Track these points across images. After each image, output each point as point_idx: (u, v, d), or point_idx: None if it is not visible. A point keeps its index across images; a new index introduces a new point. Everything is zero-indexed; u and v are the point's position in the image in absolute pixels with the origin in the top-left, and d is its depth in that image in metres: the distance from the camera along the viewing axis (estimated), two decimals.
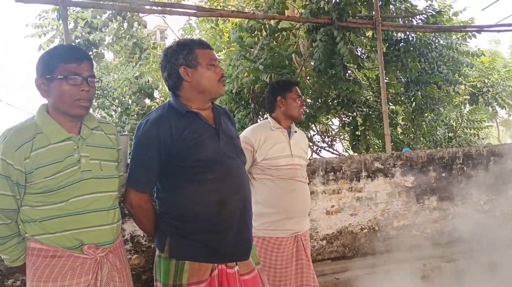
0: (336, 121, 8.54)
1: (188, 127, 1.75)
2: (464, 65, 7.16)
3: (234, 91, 5.74)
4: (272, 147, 2.47)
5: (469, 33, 6.43)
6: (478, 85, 9.90)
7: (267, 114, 2.72)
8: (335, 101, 5.96)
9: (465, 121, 8.98)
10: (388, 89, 6.34)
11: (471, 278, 3.73)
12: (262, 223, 2.41)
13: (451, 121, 9.11)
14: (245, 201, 1.83)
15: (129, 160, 1.86)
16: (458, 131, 8.93)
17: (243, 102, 5.95)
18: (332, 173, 4.21)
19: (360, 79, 6.45)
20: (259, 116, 5.74)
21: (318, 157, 7.50)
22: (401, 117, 7.17)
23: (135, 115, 6.04)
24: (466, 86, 9.58)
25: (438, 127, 8.39)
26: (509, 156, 4.85)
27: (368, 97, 6.53)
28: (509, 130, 21.31)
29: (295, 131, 2.64)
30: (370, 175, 4.34)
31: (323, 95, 5.97)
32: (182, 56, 1.79)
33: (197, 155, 1.72)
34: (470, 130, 9.08)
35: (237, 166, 1.84)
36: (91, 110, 1.73)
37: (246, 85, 5.64)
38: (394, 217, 4.37)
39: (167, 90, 2.02)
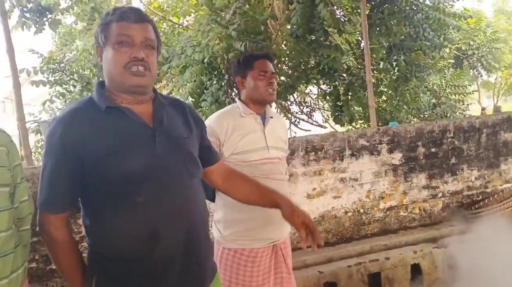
0: (314, 90, 8.10)
1: (107, 129, 1.27)
2: (451, 28, 6.74)
3: (205, 61, 5.18)
4: (242, 138, 1.99)
5: None
6: (463, 48, 9.54)
7: (237, 97, 2.22)
8: (315, 69, 5.47)
9: (450, 87, 8.65)
10: (370, 55, 5.88)
11: (465, 264, 3.45)
12: (232, 232, 1.97)
13: (435, 87, 8.77)
14: (192, 229, 1.33)
15: None
16: (442, 98, 8.61)
17: (215, 73, 5.40)
18: (313, 153, 3.80)
19: (341, 45, 5.96)
20: (234, 89, 5.23)
21: (296, 128, 7.09)
22: (383, 84, 6.75)
23: None
24: (451, 50, 9.21)
25: (422, 95, 8.04)
26: (502, 127, 4.53)
27: (350, 65, 6.06)
28: (488, 92, 21.26)
29: (271, 117, 2.13)
30: (355, 153, 3.94)
31: (301, 63, 5.47)
32: (100, 29, 1.33)
33: (118, 168, 1.24)
34: (455, 96, 8.77)
35: (180, 180, 1.33)
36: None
37: (218, 54, 5.08)
38: (380, 198, 4.02)
39: None
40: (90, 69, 6.01)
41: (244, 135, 1.99)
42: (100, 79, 1.40)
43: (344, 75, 5.62)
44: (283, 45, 5.69)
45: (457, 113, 8.83)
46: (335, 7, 5.29)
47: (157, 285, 1.27)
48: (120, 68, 1.29)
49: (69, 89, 6.11)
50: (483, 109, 12.30)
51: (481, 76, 10.44)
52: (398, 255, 3.43)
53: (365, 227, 3.93)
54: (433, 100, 8.73)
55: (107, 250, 1.28)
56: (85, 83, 6.00)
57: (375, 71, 6.20)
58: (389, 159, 4.07)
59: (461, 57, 9.60)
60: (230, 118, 2.03)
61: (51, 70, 5.73)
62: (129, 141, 1.28)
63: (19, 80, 3.52)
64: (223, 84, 5.31)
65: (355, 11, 6.12)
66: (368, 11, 5.49)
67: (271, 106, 2.31)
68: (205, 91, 5.39)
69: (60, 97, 6.13)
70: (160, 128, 1.34)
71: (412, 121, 7.53)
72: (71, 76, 5.97)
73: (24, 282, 1.26)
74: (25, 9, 5.75)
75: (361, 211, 3.94)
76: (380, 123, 6.49)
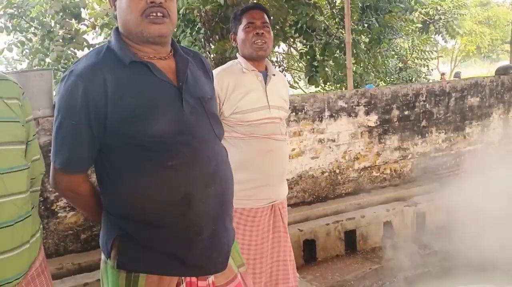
0: (284, 48, 8.01)
1: (133, 86, 1.17)
2: None
3: (181, 12, 4.94)
4: (244, 97, 1.90)
5: None
6: (431, 13, 9.68)
7: (237, 53, 2.06)
8: (293, 28, 5.38)
9: (417, 51, 8.83)
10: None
11: (432, 222, 3.68)
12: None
13: (403, 51, 8.92)
14: (224, 194, 1.29)
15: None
16: (409, 62, 8.80)
17: (191, 26, 5.18)
18: (294, 113, 3.80)
19: (319, 3, 5.87)
20: (211, 43, 5.06)
21: None
22: (358, 46, 6.77)
23: (61, 41, 5.09)
24: (419, 14, 9.32)
25: (390, 58, 8.17)
26: (469, 92, 4.71)
27: (327, 24, 6.01)
28: (444, 58, 21.95)
29: (273, 75, 2.03)
30: (333, 114, 3.99)
31: (279, 21, 5.36)
32: None
33: (147, 130, 1.16)
34: (420, 61, 8.98)
35: (210, 143, 1.27)
36: None
37: (195, 5, 4.85)
38: (355, 158, 4.13)
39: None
40: (52, 16, 5.59)
41: (245, 93, 1.92)
42: (117, 26, 1.26)
43: (322, 35, 5.57)
44: (259, 1, 5.52)
45: (421, 78, 9.08)
46: None
47: (186, 250, 1.23)
48: (137, 16, 1.18)
49: (28, 37, 5.68)
50: (442, 74, 12.72)
51: (446, 42, 10.71)
52: (372, 213, 3.58)
53: (340, 187, 4.06)
54: (400, 64, 8.90)
55: (134, 214, 1.21)
56: (46, 32, 5.59)
57: (353, 34, 6.20)
58: (365, 121, 4.16)
59: (428, 22, 9.74)
60: (230, 75, 1.94)
61: (9, 15, 5.28)
62: (157, 101, 1.19)
63: None
64: (197, 38, 5.13)
65: None
66: None
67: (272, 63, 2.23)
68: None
69: (19, 46, 5.70)
70: (186, 87, 1.25)
71: (380, 85, 7.68)
72: (31, 23, 5.54)
73: (41, 245, 1.20)
74: None
75: (337, 171, 4.04)
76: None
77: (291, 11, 5.11)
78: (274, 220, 2.02)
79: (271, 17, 5.31)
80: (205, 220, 1.24)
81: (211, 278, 1.29)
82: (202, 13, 4.75)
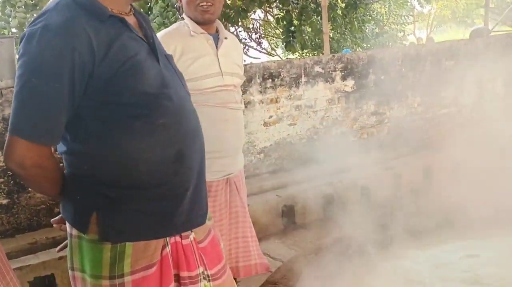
0: (260, 14, 7.85)
1: (115, 41, 1.10)
2: None
3: None
4: (193, 62, 1.79)
5: None
6: None
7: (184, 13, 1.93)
8: None
9: (393, 16, 8.79)
10: None
11: (408, 184, 3.75)
12: None
13: (379, 16, 8.86)
14: (203, 148, 1.33)
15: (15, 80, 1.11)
16: (386, 28, 8.77)
17: None
18: (270, 80, 3.75)
19: None
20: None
21: (246, 57, 6.94)
22: (335, 10, 6.68)
23: (23, 7, 4.83)
24: None
25: (367, 24, 8.11)
26: (444, 55, 4.73)
27: None
28: (420, 23, 21.96)
29: (225, 38, 1.90)
30: (310, 80, 3.96)
31: None
32: None
33: (137, 86, 1.11)
34: (397, 26, 8.95)
35: (186, 99, 1.27)
36: None
37: None
38: (333, 124, 4.14)
39: None
40: None
41: (194, 59, 1.79)
42: None
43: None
44: None
45: (398, 43, 9.08)
46: None
47: (176, 208, 1.22)
48: None
49: None
50: (419, 39, 12.76)
51: (422, 7, 10.68)
52: (351, 177, 3.62)
53: (318, 153, 4.07)
54: (376, 30, 8.86)
55: (125, 180, 1.16)
56: None
57: None
58: (342, 86, 4.14)
59: None
60: (178, 38, 1.80)
61: None
62: (140, 55, 1.14)
63: None
64: (170, 4, 4.94)
65: None
66: None
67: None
68: (149, 12, 5.01)
69: None
70: (153, 43, 1.22)
71: (357, 50, 7.65)
72: None
73: None
74: None
75: (315, 137, 4.04)
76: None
77: None
78: (230, 195, 1.96)
79: None
80: (192, 174, 1.25)
81: (192, 235, 1.28)
82: None
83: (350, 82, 4.18)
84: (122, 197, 1.17)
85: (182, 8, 1.89)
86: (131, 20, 1.20)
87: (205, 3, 1.80)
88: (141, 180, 1.17)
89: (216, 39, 1.88)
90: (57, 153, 1.25)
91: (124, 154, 1.15)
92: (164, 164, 1.19)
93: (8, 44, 2.89)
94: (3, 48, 2.82)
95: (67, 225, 1.26)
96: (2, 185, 2.79)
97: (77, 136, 1.16)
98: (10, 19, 4.83)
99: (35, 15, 4.86)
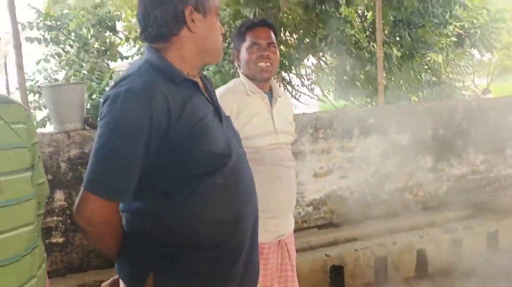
0: (313, 61, 7.90)
1: (188, 103, 1.15)
2: (457, 5, 6.60)
3: None
4: (249, 121, 1.78)
5: None
6: (466, 26, 9.36)
7: (240, 71, 1.95)
8: (323, 41, 5.29)
9: (451, 65, 8.51)
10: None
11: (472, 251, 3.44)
12: None
13: (436, 66, 8.63)
14: (256, 210, 1.32)
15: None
16: (443, 77, 8.49)
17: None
18: (322, 130, 3.70)
19: (350, 17, 5.76)
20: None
21: (297, 102, 6.95)
22: (389, 61, 6.60)
23: (95, 53, 5.17)
24: (454, 28, 9.03)
25: (423, 73, 7.91)
26: (510, 109, 4.45)
27: (357, 38, 5.89)
28: (479, 72, 21.22)
29: (279, 96, 1.90)
30: (363, 132, 3.85)
31: (309, 34, 5.28)
32: None
33: (207, 146, 1.16)
34: (456, 76, 8.65)
35: (244, 160, 1.30)
36: None
37: (224, 20, 4.85)
38: (386, 178, 3.97)
39: (140, 33, 1.29)
40: (88, 29, 5.71)
41: (250, 117, 1.79)
42: (152, 45, 1.24)
43: (352, 48, 5.46)
44: (290, 15, 5.47)
45: (457, 93, 8.75)
46: None
47: (229, 270, 1.21)
48: (221, 41, 1.29)
49: (65, 50, 5.81)
50: (485, 91, 12.18)
51: (482, 55, 10.32)
52: (404, 240, 3.40)
53: (370, 208, 3.89)
54: (433, 79, 8.61)
55: (182, 239, 1.17)
56: (82, 44, 5.70)
57: (385, 47, 6.05)
58: (397, 139, 4.00)
59: (463, 36, 9.42)
60: (235, 97, 1.81)
61: (48, 27, 5.42)
62: (209, 117, 1.19)
63: (20, 40, 3.26)
64: (227, 52, 5.10)
65: None
66: None
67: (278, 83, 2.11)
68: None
69: (56, 57, 5.84)
70: (218, 105, 1.28)
71: (413, 100, 7.45)
72: (68, 35, 5.67)
73: (45, 275, 1.13)
74: None
75: (367, 191, 3.88)
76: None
77: (320, 24, 5.03)
78: (281, 257, 1.89)
79: (301, 31, 5.27)
80: (246, 236, 1.25)
81: None
82: (231, 28, 4.74)
83: (405, 135, 4.02)
84: (179, 258, 1.17)
85: (239, 66, 1.92)
86: (199, 82, 1.27)
87: (264, 63, 1.82)
88: (200, 241, 1.18)
89: (270, 97, 1.89)
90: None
91: (187, 213, 1.16)
92: (223, 225, 1.20)
93: (79, 90, 3.08)
94: (75, 93, 3.01)
95: (121, 284, 1.25)
96: (60, 224, 2.90)
97: (142, 193, 1.17)
98: (83, 63, 5.18)
99: (106, 61, 5.20)
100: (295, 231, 2.05)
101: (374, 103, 6.39)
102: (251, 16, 4.30)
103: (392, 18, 6.31)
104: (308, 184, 3.67)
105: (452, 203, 4.05)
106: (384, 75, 6.85)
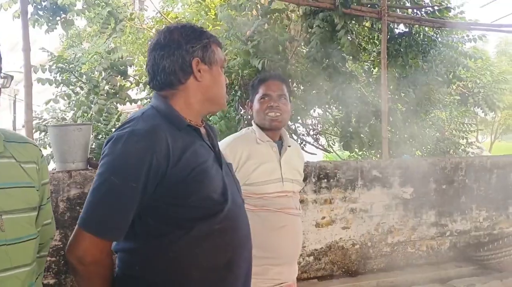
0: (319, 111, 8.04)
1: (188, 148, 1.20)
2: (461, 67, 6.80)
3: None
4: (257, 168, 1.83)
5: (476, 36, 6.11)
6: (470, 86, 9.59)
7: (252, 120, 2.04)
8: (329, 94, 5.42)
9: (455, 123, 8.63)
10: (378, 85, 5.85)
11: None
12: None
13: (440, 122, 8.75)
14: (250, 257, 1.32)
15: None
16: (447, 133, 8.59)
17: (228, 88, 5.33)
18: (325, 180, 3.71)
19: (356, 72, 5.94)
20: (246, 107, 5.15)
21: (303, 152, 7.01)
22: (394, 116, 6.73)
23: (105, 95, 5.32)
24: (458, 87, 9.25)
25: (427, 129, 8.01)
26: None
27: (363, 92, 6.03)
28: (483, 129, 21.41)
29: (289, 146, 1.97)
30: (367, 183, 3.87)
31: (316, 87, 5.42)
32: (200, 46, 1.27)
33: (203, 191, 1.18)
34: (459, 133, 8.75)
35: (241, 206, 1.31)
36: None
37: (233, 69, 5.01)
38: (389, 232, 3.93)
39: (147, 79, 1.36)
40: (100, 73, 5.91)
41: (258, 164, 1.85)
42: (159, 93, 1.30)
43: (357, 102, 5.58)
44: (297, 67, 5.65)
45: (460, 150, 8.81)
46: (355, 35, 5.27)
47: None
48: (224, 91, 1.36)
49: (75, 91, 5.99)
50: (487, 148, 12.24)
51: (486, 114, 10.48)
52: None
53: (372, 261, 3.83)
54: (437, 135, 8.70)
55: (171, 282, 1.16)
56: (92, 86, 5.88)
57: (389, 101, 6.19)
58: (400, 192, 3.99)
59: (467, 94, 9.63)
60: (244, 144, 1.89)
61: (60, 69, 5.61)
62: (208, 163, 1.23)
63: (32, 81, 3.39)
64: (233, 99, 5.24)
65: (371, 40, 6.11)
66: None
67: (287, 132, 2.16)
68: None
69: (65, 98, 6.01)
70: (219, 152, 1.32)
71: (416, 155, 7.49)
72: (79, 78, 5.86)
73: None
74: (39, 7, 5.67)
75: (369, 244, 3.83)
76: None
77: (327, 78, 5.18)
78: None
79: (308, 83, 5.42)
80: (237, 284, 1.24)
81: None
82: (239, 77, 4.89)
83: (409, 189, 4.02)
84: None
85: (251, 115, 2.01)
86: (202, 130, 1.32)
87: (273, 113, 1.89)
88: (187, 284, 1.17)
89: (280, 146, 1.95)
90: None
91: (179, 257, 1.16)
92: (214, 271, 1.20)
93: (85, 130, 3.13)
94: (81, 134, 3.05)
95: None
96: (53, 265, 2.85)
97: (136, 234, 1.18)
98: (92, 105, 5.31)
99: (114, 103, 5.34)
100: None
101: (378, 156, 6.45)
102: (259, 67, 4.44)
103: (397, 75, 6.50)
104: (310, 233, 3.63)
105: (455, 259, 3.98)
106: (389, 129, 6.96)
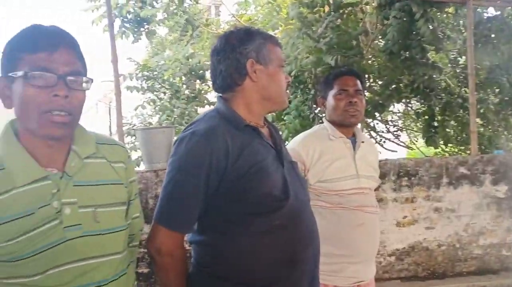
0: (401, 107, 7.67)
1: (247, 147, 1.24)
2: None
3: (293, 74, 5.11)
4: (330, 164, 1.80)
5: None
6: None
7: (324, 117, 2.01)
8: (408, 88, 5.14)
9: None
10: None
11: None
12: None
13: None
14: (318, 255, 1.31)
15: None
16: None
17: (301, 87, 5.30)
18: (406, 178, 3.54)
19: (439, 63, 5.56)
20: (318, 104, 5.08)
21: (382, 149, 6.74)
22: (484, 108, 6.20)
23: (185, 99, 5.61)
24: None
25: None
26: None
27: (448, 83, 5.64)
28: None
29: (362, 142, 1.91)
30: (453, 181, 3.61)
31: (394, 81, 5.19)
32: (253, 47, 1.29)
33: (261, 188, 1.21)
34: None
35: (305, 203, 1.32)
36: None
37: (307, 67, 4.97)
38: (480, 233, 3.63)
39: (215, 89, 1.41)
40: (180, 78, 6.22)
41: (332, 161, 1.81)
42: (220, 95, 1.36)
43: (442, 94, 5.23)
44: (374, 62, 5.44)
45: None
46: (435, 23, 4.94)
47: None
48: (284, 89, 1.35)
49: (159, 97, 6.38)
50: None
51: None
52: None
53: (461, 264, 3.57)
54: None
55: (237, 276, 1.21)
56: (174, 91, 6.21)
57: (480, 93, 5.73)
58: (492, 191, 3.68)
59: None
60: (317, 141, 1.86)
61: (145, 77, 6.02)
62: (266, 161, 1.25)
63: (121, 89, 3.69)
64: (307, 98, 5.20)
65: (456, 27, 5.70)
66: (473, 28, 5.09)
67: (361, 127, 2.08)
68: (289, 105, 5.31)
69: (151, 104, 6.42)
70: (281, 150, 1.32)
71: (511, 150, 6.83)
72: (162, 84, 6.23)
73: None
74: (125, 20, 6.13)
75: (457, 245, 3.58)
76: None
77: (406, 71, 4.92)
78: None
79: (385, 77, 5.20)
80: (303, 280, 1.24)
81: None
82: (312, 75, 4.84)
83: (503, 187, 3.69)
84: None
85: (324, 113, 1.98)
86: (264, 130, 1.34)
87: (353, 109, 1.86)
88: (252, 279, 1.21)
89: (354, 142, 1.90)
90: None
91: (242, 251, 1.20)
92: (277, 266, 1.21)
93: (168, 133, 3.34)
94: (164, 136, 3.27)
95: None
96: (146, 255, 3.06)
97: (203, 229, 1.26)
98: (174, 109, 5.63)
99: (195, 107, 5.60)
100: (375, 280, 1.95)
101: (468, 153, 5.98)
102: (332, 64, 4.36)
103: (488, 63, 5.98)
104: (390, 233, 3.49)
105: None
106: (480, 122, 6.42)
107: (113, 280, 1.08)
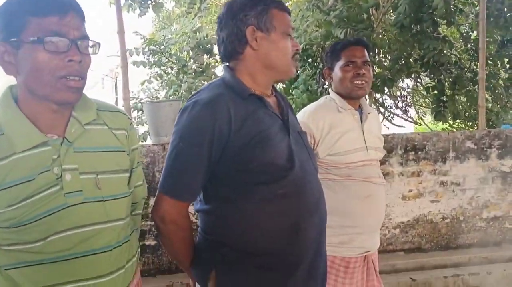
0: (410, 83, 7.62)
1: (251, 116, 1.23)
2: None
3: (301, 47, 5.08)
4: (340, 137, 1.80)
5: None
6: None
7: (330, 88, 1.98)
8: (418, 62, 5.10)
9: None
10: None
11: None
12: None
13: None
14: (323, 223, 1.32)
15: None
16: None
17: (310, 61, 5.27)
18: (413, 152, 3.56)
19: (450, 37, 5.49)
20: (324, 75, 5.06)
21: (389, 124, 6.74)
22: (493, 82, 6.13)
23: (193, 74, 5.60)
24: None
25: None
26: None
27: (458, 57, 5.58)
28: None
29: (369, 113, 1.91)
30: (459, 155, 3.63)
31: (404, 55, 5.14)
32: (254, 13, 1.26)
33: (265, 156, 1.20)
34: None
35: (313, 174, 1.32)
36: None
37: (316, 41, 4.93)
38: (484, 206, 3.68)
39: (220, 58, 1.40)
40: (187, 52, 6.20)
41: (342, 134, 1.80)
42: (227, 64, 1.36)
43: (452, 69, 5.18)
44: (384, 36, 5.39)
45: None
46: None
47: (287, 280, 1.24)
48: (289, 57, 1.31)
49: (166, 71, 6.37)
50: None
51: None
52: (502, 271, 3.11)
53: (464, 236, 3.63)
54: None
55: (241, 243, 1.23)
56: (181, 66, 6.20)
57: (491, 67, 5.66)
58: (498, 165, 3.70)
59: None
60: (326, 114, 1.84)
61: (151, 51, 6.00)
62: (272, 129, 1.25)
63: (127, 63, 3.69)
64: (316, 72, 5.18)
65: (469, 1, 5.59)
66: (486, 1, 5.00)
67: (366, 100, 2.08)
68: (297, 78, 5.30)
69: (158, 78, 6.42)
70: (288, 121, 1.32)
71: None
72: (169, 58, 6.21)
73: (137, 270, 1.22)
74: None
75: (461, 218, 3.63)
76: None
77: (416, 45, 4.87)
78: (367, 273, 1.85)
79: (395, 51, 5.15)
80: (307, 248, 1.26)
81: None
82: (321, 49, 4.80)
83: (508, 161, 3.71)
84: (237, 260, 1.23)
85: (331, 84, 1.96)
86: (271, 99, 1.34)
87: (360, 81, 1.83)
88: (255, 246, 1.23)
89: (361, 114, 1.90)
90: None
91: (246, 219, 1.22)
92: (280, 234, 1.23)
93: (175, 106, 3.35)
94: (171, 109, 3.27)
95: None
96: (153, 228, 3.14)
97: (209, 198, 1.28)
98: (181, 83, 5.63)
99: (202, 81, 5.61)
100: (380, 252, 2.01)
101: (475, 128, 5.97)
102: (342, 37, 4.32)
103: (499, 38, 5.89)
104: (396, 206, 3.54)
105: None
106: (489, 97, 6.37)
107: (116, 247, 1.09)
